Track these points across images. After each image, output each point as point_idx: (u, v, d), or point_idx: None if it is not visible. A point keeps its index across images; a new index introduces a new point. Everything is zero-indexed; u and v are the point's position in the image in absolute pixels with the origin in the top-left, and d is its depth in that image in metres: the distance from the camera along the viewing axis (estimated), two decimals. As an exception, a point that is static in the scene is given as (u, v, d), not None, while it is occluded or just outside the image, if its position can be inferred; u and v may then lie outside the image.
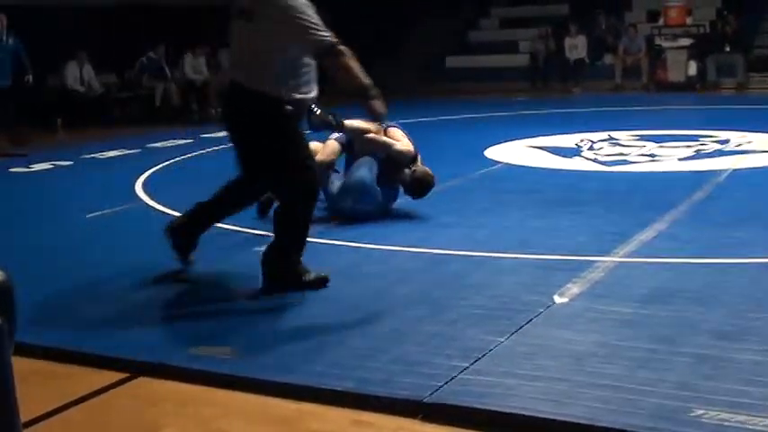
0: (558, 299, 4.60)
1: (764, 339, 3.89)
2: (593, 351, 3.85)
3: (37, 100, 14.77)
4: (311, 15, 4.65)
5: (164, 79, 17.14)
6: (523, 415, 3.29)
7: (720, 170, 8.24)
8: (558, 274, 5.03)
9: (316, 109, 5.81)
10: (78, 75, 16.32)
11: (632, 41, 18.28)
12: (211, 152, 11.84)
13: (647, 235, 5.84)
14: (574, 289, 4.75)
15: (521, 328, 4.19)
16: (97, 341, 4.35)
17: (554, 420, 3.24)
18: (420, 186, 6.79)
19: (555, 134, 11.27)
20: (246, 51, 4.77)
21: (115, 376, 3.95)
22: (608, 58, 18.87)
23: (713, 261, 5.22)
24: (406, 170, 6.81)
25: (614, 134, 10.96)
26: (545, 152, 9.98)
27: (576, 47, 18.89)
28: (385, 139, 6.98)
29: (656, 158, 9.23)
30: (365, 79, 4.77)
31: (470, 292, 4.85)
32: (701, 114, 14.42)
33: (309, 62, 4.79)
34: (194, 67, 17.65)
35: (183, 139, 13.28)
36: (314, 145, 6.41)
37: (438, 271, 5.33)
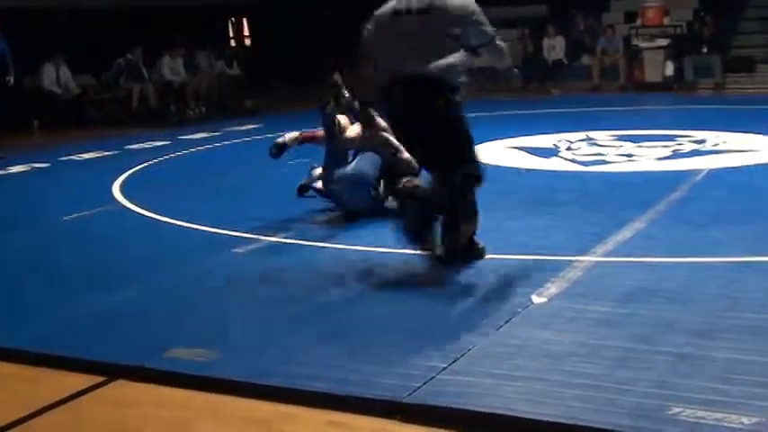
0: (536, 299, 4.60)
1: (740, 337, 3.91)
2: (571, 350, 3.86)
3: (13, 101, 14.66)
4: (480, 10, 5.16)
5: (141, 80, 17.07)
6: (502, 415, 3.29)
7: (697, 170, 8.27)
8: (537, 274, 5.03)
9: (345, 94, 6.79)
10: (55, 76, 16.21)
11: (610, 42, 18.32)
12: (189, 154, 11.81)
13: (624, 235, 5.85)
14: (552, 289, 4.75)
15: (500, 327, 4.19)
16: (72, 344, 4.32)
17: (533, 420, 3.24)
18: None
19: (533, 134, 11.28)
20: (422, 46, 5.09)
21: (90, 380, 3.92)
22: (586, 59, 18.90)
23: (690, 260, 5.24)
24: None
25: (592, 134, 10.98)
26: (523, 152, 9.99)
27: (555, 48, 18.91)
28: (397, 144, 7.00)
29: (633, 158, 9.25)
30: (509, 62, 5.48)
31: (448, 292, 4.84)
32: (678, 114, 14.47)
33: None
34: (172, 68, 17.60)
35: (160, 140, 13.22)
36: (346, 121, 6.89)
37: (414, 271, 5.31)
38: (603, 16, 20.08)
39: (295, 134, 7.67)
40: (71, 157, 11.80)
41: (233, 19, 23.86)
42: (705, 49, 17.53)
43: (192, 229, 6.77)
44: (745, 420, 3.11)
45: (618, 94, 17.16)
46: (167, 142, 13.03)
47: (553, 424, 3.21)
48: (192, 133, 13.93)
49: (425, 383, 3.57)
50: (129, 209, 7.81)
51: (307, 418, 3.45)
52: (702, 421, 3.12)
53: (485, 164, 5.39)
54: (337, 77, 7.16)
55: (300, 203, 7.47)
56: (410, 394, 3.47)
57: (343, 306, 4.69)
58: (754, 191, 7.29)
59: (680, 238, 5.76)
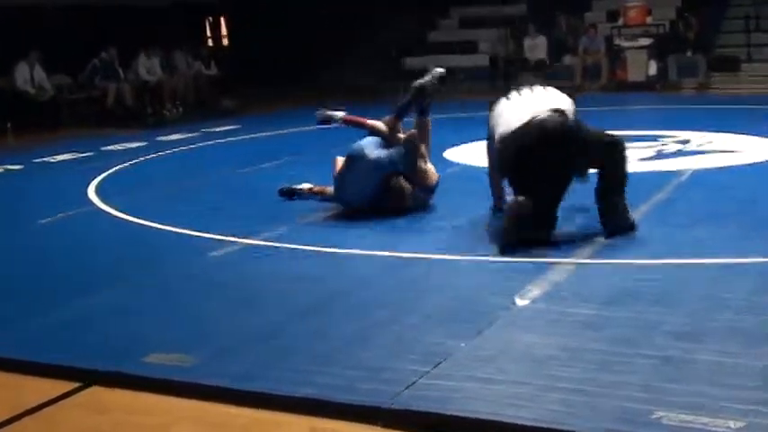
0: (518, 301, 4.62)
1: (724, 340, 3.93)
2: (554, 354, 3.87)
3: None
4: None
5: (116, 80, 17.00)
6: (485, 419, 3.30)
7: (681, 170, 8.31)
8: (519, 277, 5.05)
9: (323, 109, 7.70)
10: (29, 76, 16.10)
11: (592, 41, 18.38)
12: (166, 155, 11.78)
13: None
14: (534, 291, 4.77)
15: (482, 331, 4.20)
16: (48, 349, 4.30)
17: (516, 424, 3.25)
18: (391, 200, 6.88)
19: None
20: (558, 102, 6.05)
21: (67, 386, 3.91)
22: (568, 59, 18.96)
23: (673, 262, 5.26)
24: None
25: (575, 135, 10.99)
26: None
27: (536, 47, 18.97)
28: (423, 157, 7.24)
29: (616, 159, 9.26)
30: None
31: (430, 295, 4.86)
32: (662, 114, 14.53)
33: None
34: (148, 68, 17.54)
35: (136, 141, 13.19)
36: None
37: (396, 275, 5.33)
38: (586, 16, 20.16)
39: (341, 113, 7.79)
40: (45, 159, 11.76)
41: (210, 18, 23.82)
42: (689, 51, 17.60)
43: (170, 231, 6.76)
44: (732, 424, 3.12)
45: (600, 93, 17.22)
46: (144, 143, 13.00)
47: (536, 428, 3.21)
48: (169, 134, 13.89)
49: (407, 388, 3.57)
50: (105, 211, 7.79)
51: (288, 424, 3.45)
52: (688, 425, 3.13)
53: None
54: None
55: (279, 206, 7.46)
56: (392, 399, 3.48)
57: (323, 310, 4.69)
58: (738, 191, 7.33)
59: (663, 240, 5.79)
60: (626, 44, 17.80)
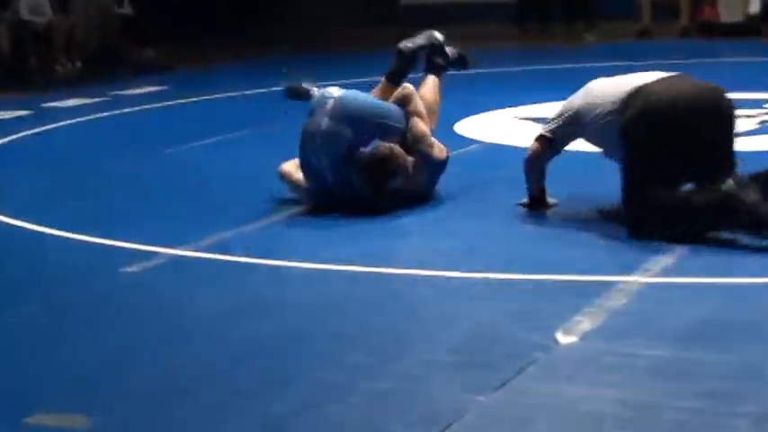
0: (561, 338, 4.61)
1: None
2: (613, 413, 3.86)
3: None
4: None
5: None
6: None
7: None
8: (562, 302, 5.06)
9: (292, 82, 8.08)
10: None
11: (667, -35, 18.45)
12: (58, 128, 11.76)
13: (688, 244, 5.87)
14: (584, 323, 4.76)
15: (508, 381, 4.19)
16: None
17: None
18: (373, 170, 6.81)
19: (552, 101, 11.29)
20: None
21: None
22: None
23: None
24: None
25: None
26: (538, 126, 10.00)
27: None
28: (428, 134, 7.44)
29: (701, 133, 9.29)
30: None
31: (436, 329, 4.86)
32: None
33: None
34: (33, 5, 17.45)
35: (15, 109, 13.20)
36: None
37: (388, 299, 5.33)
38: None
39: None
40: None
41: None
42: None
43: (62, 238, 6.74)
44: None
45: (678, 40, 17.25)
46: (26, 112, 13.04)
47: None
48: (64, 99, 13.89)
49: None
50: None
51: None
52: None
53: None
54: None
55: (220, 201, 7.45)
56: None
57: (277, 353, 4.66)
58: None
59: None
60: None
